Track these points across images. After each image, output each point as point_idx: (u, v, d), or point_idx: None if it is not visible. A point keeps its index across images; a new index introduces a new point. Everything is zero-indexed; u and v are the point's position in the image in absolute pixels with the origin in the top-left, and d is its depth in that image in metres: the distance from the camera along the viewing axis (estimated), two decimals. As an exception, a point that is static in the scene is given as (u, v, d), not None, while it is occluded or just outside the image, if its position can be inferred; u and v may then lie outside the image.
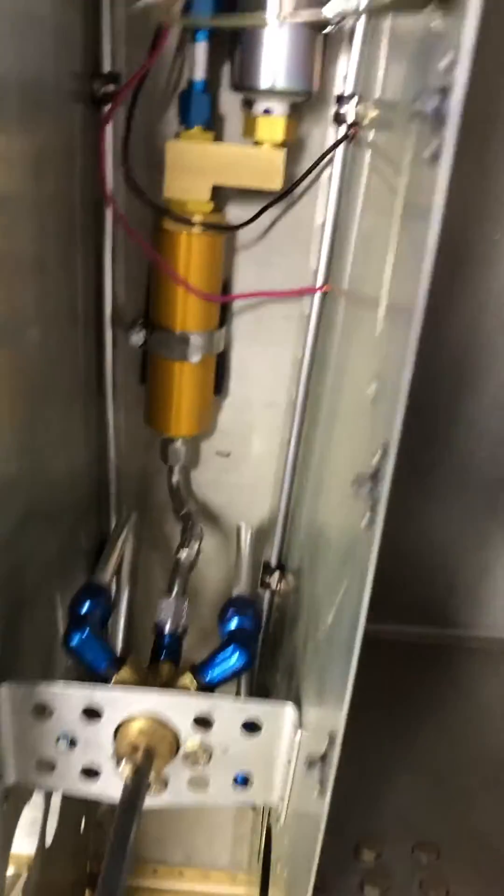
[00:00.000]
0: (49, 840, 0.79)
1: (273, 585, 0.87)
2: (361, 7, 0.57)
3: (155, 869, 1.07)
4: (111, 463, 0.83)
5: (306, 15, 0.62)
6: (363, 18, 0.63)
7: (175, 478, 0.81)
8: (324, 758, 0.40)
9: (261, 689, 0.85)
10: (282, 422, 0.83)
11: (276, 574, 0.87)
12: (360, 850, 0.58)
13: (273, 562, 0.88)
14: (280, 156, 0.67)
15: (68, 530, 0.74)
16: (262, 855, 0.70)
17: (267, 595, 0.89)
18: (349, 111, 0.68)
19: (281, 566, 0.88)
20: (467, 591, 0.87)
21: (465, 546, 0.89)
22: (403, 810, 0.55)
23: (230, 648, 0.54)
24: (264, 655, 0.90)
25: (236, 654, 0.54)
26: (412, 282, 0.32)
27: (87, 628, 0.54)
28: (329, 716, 0.41)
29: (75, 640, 0.54)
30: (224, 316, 0.77)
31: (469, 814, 0.58)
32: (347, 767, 0.44)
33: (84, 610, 0.57)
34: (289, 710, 0.52)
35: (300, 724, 0.52)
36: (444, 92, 0.27)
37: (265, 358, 0.81)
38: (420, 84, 0.35)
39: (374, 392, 0.37)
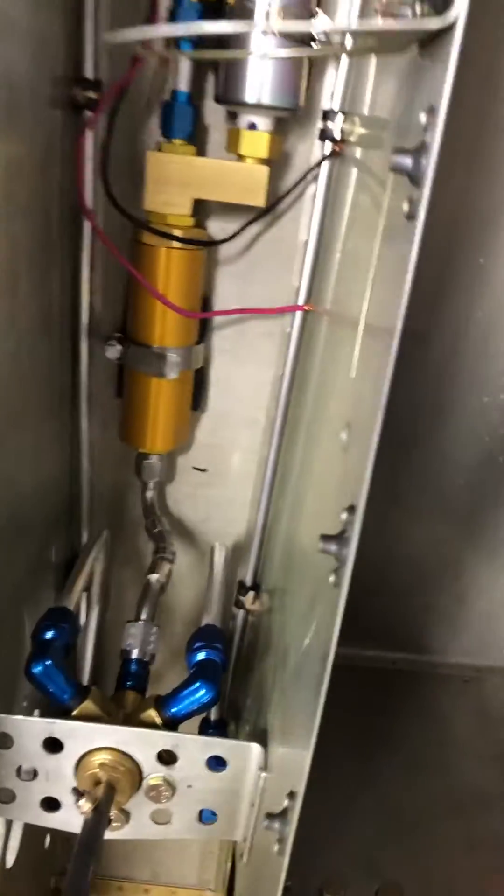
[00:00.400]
0: (10, 859, 0.78)
1: (247, 605, 0.85)
2: (348, 45, 0.55)
3: (120, 886, 1.05)
4: (84, 477, 0.81)
5: (293, 26, 0.61)
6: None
7: (149, 493, 0.79)
8: (284, 814, 0.38)
9: (231, 708, 0.84)
10: (261, 439, 0.82)
11: (251, 594, 0.85)
12: (323, 894, 0.57)
13: (248, 581, 0.87)
14: (264, 172, 0.66)
15: (37, 545, 0.72)
16: (227, 881, 0.68)
17: (241, 614, 0.87)
18: (335, 128, 0.67)
19: (256, 585, 0.87)
20: (442, 618, 0.86)
21: (440, 572, 0.87)
22: (367, 850, 0.54)
23: (197, 684, 0.53)
24: (237, 673, 0.88)
25: (203, 690, 0.53)
26: (389, 311, 0.30)
27: (50, 658, 0.52)
28: (291, 770, 0.40)
29: (37, 669, 0.52)
30: (203, 331, 0.75)
31: (434, 854, 0.57)
32: (310, 805, 0.42)
33: (47, 636, 0.55)
34: (255, 750, 0.51)
35: (265, 765, 0.50)
36: (420, 151, 0.26)
37: (245, 374, 0.79)
38: (404, 121, 0.34)
39: (345, 440, 0.35)
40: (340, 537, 0.30)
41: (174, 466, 0.83)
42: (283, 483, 0.80)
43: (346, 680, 0.43)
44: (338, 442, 0.38)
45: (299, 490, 0.70)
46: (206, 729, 0.76)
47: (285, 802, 0.38)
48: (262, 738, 0.52)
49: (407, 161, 0.26)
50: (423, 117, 0.26)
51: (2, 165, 0.51)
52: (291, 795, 0.37)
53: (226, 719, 0.77)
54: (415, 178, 0.27)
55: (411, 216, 0.26)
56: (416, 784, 0.60)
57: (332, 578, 0.31)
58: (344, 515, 0.30)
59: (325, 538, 0.30)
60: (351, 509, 0.30)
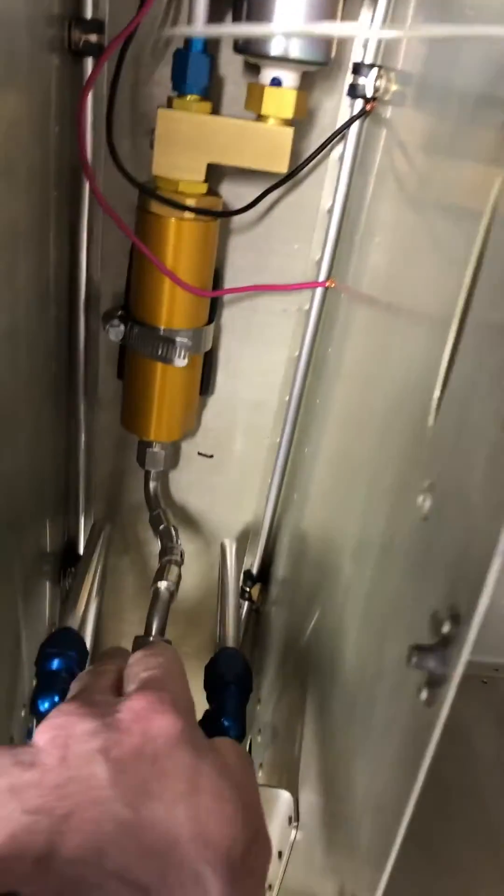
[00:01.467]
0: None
1: (254, 597, 0.80)
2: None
3: None
4: (81, 462, 0.75)
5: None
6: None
7: (152, 484, 0.73)
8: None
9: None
10: (272, 424, 0.76)
11: (258, 586, 0.80)
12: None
13: (255, 571, 0.82)
14: (288, 134, 0.58)
15: (31, 533, 0.66)
16: None
17: (245, 605, 0.82)
18: (367, 84, 0.59)
19: (263, 576, 0.82)
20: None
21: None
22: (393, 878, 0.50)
23: (226, 723, 0.47)
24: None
25: (230, 730, 0.48)
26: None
27: (57, 694, 0.47)
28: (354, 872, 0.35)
29: (44, 707, 0.47)
30: (214, 309, 0.68)
31: (464, 884, 0.53)
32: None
33: (53, 667, 0.49)
34: (284, 798, 0.46)
35: (297, 818, 0.46)
36: None
37: (256, 354, 0.73)
38: None
39: (427, 508, 0.29)
40: (440, 651, 0.25)
41: (178, 452, 0.77)
42: (294, 472, 0.74)
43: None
44: (409, 505, 0.32)
45: (325, 486, 0.64)
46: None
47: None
48: (291, 779, 0.48)
49: None
50: None
51: (5, 125, 0.43)
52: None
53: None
54: None
55: None
56: (438, 808, 0.56)
57: (423, 695, 0.25)
58: (447, 627, 0.24)
59: (420, 650, 0.25)
60: (455, 619, 0.24)
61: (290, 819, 0.46)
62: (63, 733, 0.32)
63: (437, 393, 0.31)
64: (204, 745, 0.34)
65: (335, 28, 0.56)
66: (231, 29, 0.60)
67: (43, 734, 0.33)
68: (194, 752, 0.32)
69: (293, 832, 0.46)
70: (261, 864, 0.32)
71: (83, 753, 0.31)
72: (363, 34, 0.60)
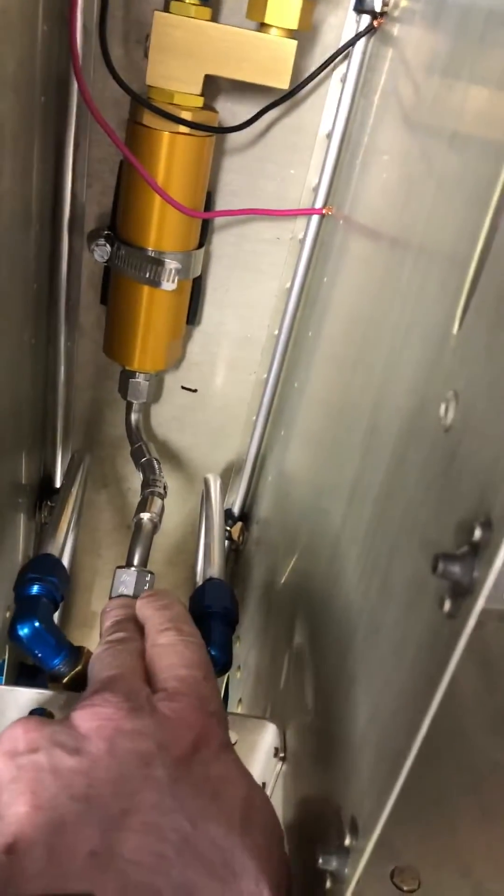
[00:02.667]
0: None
1: (234, 536, 0.79)
2: None
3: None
4: (60, 391, 0.72)
5: None
6: None
7: (134, 416, 0.71)
8: (343, 852, 0.32)
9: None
10: (259, 357, 0.73)
11: (239, 525, 0.79)
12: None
13: (236, 510, 0.80)
14: (291, 46, 0.55)
15: (6, 463, 0.64)
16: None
17: (226, 544, 0.81)
18: (376, -3, 0.56)
19: (244, 516, 0.80)
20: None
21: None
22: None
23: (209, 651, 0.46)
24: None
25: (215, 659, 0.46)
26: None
27: (37, 618, 0.45)
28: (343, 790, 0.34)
29: (23, 631, 0.45)
30: (204, 233, 0.65)
31: (448, 829, 0.54)
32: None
33: (33, 591, 0.48)
34: (269, 729, 0.45)
35: (283, 749, 0.45)
36: None
37: (245, 284, 0.70)
38: None
39: (450, 419, 0.28)
40: (468, 558, 0.23)
41: (161, 385, 0.74)
42: (281, 408, 0.72)
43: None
44: (427, 415, 0.30)
45: (310, 422, 0.63)
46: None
47: (347, 839, 0.32)
48: (275, 711, 0.47)
49: None
50: None
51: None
52: (353, 827, 0.31)
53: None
54: None
55: None
56: (423, 751, 0.56)
57: (447, 607, 0.24)
58: (478, 534, 0.23)
59: (446, 558, 0.23)
60: (487, 525, 0.23)
61: (276, 750, 0.45)
62: (110, 726, 0.31)
63: (462, 301, 0.29)
64: (234, 751, 0.34)
65: None
66: None
67: (86, 721, 0.31)
68: (239, 770, 0.32)
69: (279, 764, 0.45)
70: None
71: (134, 752, 0.30)
72: None
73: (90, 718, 0.31)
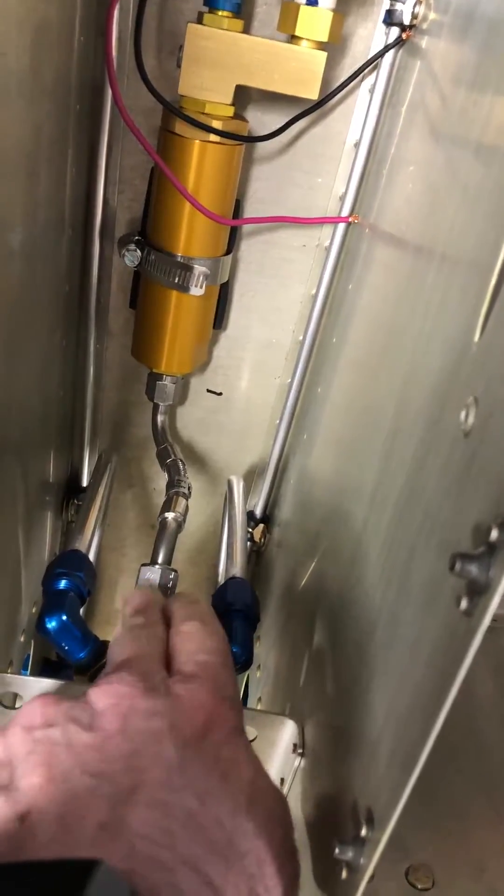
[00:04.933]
0: None
1: (256, 537, 0.80)
2: None
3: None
4: (88, 392, 0.74)
5: None
6: None
7: (160, 417, 0.72)
8: (359, 841, 0.33)
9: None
10: (283, 363, 0.75)
11: (261, 527, 0.80)
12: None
13: (259, 512, 0.81)
14: (321, 58, 0.56)
15: (35, 461, 0.65)
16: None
17: (248, 546, 0.82)
18: (405, 10, 0.57)
19: (266, 518, 0.81)
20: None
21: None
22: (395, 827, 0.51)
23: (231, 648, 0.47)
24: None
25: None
26: None
27: (65, 612, 0.47)
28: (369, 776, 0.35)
29: (51, 625, 0.47)
30: (232, 240, 0.66)
31: (463, 830, 0.54)
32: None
33: (61, 586, 0.49)
34: (289, 725, 0.46)
35: (302, 745, 0.46)
36: None
37: (272, 290, 0.71)
38: None
39: (470, 424, 0.29)
40: (485, 558, 0.24)
41: (187, 388, 0.76)
42: (305, 412, 0.74)
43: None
44: (448, 423, 0.31)
45: (335, 429, 0.64)
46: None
47: (363, 829, 0.33)
48: (295, 708, 0.48)
49: None
50: None
51: (32, 29, 0.41)
52: (369, 818, 0.32)
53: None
54: None
55: None
56: (439, 752, 0.57)
57: (463, 605, 0.25)
58: (495, 533, 0.24)
59: (463, 558, 0.24)
60: (503, 526, 0.23)
61: (294, 746, 0.46)
62: (125, 704, 0.32)
63: (484, 308, 0.30)
64: (245, 737, 0.34)
65: None
66: None
67: (102, 698, 0.32)
68: (248, 755, 0.32)
69: (298, 759, 0.46)
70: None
71: (146, 730, 0.30)
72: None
73: (106, 696, 0.32)
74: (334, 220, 0.66)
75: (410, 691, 0.30)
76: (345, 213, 0.65)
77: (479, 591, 0.25)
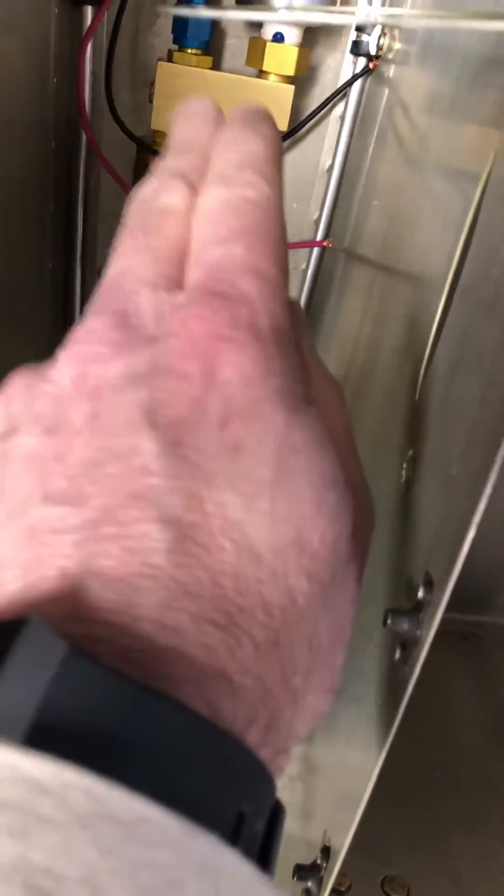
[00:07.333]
0: None
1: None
2: None
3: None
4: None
5: None
6: None
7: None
8: (314, 869, 0.35)
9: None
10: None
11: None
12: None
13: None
14: (289, 92, 0.58)
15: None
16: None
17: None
18: (371, 41, 0.58)
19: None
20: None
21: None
22: (370, 836, 0.53)
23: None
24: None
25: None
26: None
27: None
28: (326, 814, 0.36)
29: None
30: (210, 266, 0.68)
31: (438, 837, 0.56)
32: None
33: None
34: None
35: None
36: None
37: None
38: None
39: (409, 479, 0.30)
40: (414, 614, 0.26)
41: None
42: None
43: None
44: (396, 472, 0.33)
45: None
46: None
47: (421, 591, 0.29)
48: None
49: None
50: None
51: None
52: (326, 851, 0.34)
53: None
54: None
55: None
56: (417, 760, 0.58)
57: (397, 655, 0.27)
58: (421, 593, 0.25)
59: (395, 613, 0.26)
60: (429, 585, 0.25)
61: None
62: (92, 374, 0.20)
63: (423, 370, 0.32)
64: (297, 396, 0.21)
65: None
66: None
67: (67, 367, 0.20)
68: (286, 411, 0.20)
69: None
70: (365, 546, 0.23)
71: (120, 409, 0.19)
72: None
73: (71, 363, 0.20)
74: (309, 245, 0.67)
75: (366, 719, 0.32)
76: (319, 237, 0.66)
77: (410, 645, 0.26)
